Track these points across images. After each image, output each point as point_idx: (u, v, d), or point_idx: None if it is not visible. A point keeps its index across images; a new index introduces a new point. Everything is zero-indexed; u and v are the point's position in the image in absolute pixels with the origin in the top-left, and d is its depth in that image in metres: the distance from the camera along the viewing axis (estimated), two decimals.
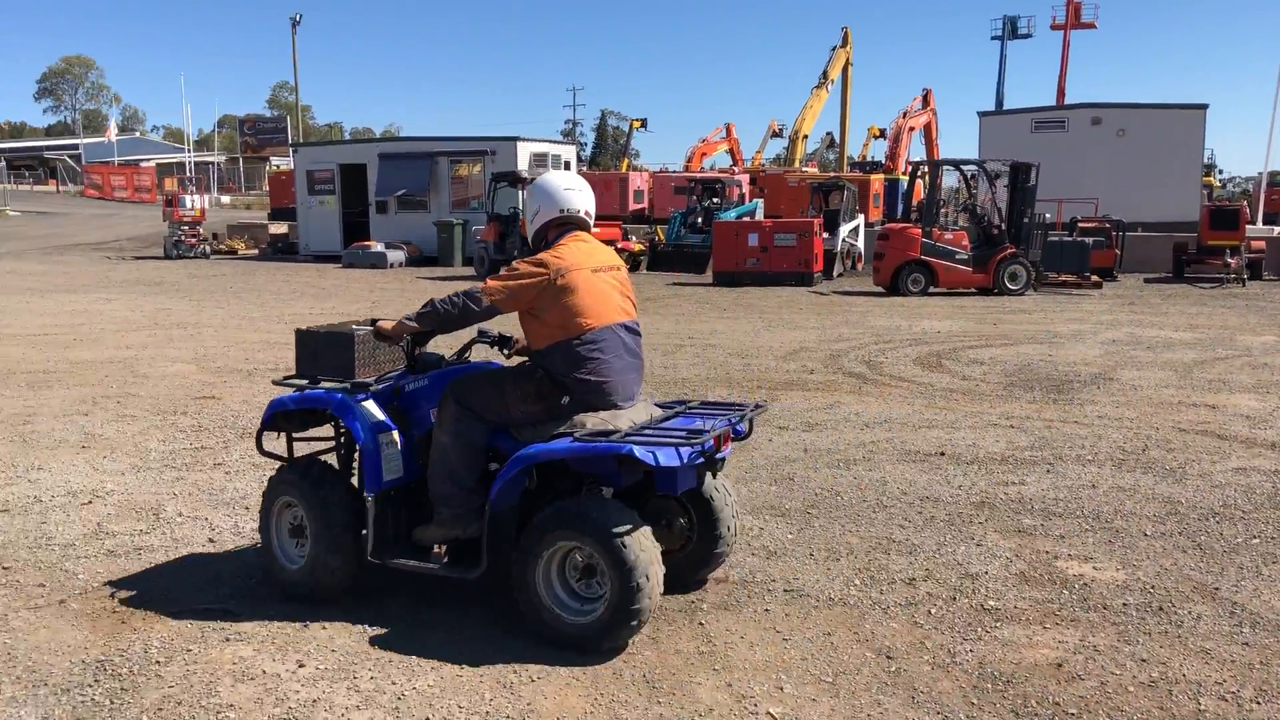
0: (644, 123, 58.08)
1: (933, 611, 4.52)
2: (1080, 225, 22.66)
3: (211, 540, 5.45)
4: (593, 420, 4.20)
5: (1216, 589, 4.78)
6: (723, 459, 4.38)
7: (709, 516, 4.63)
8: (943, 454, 7.27)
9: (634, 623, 3.97)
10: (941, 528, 5.68)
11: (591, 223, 4.57)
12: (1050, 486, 6.47)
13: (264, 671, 3.92)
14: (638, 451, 3.91)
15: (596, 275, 4.37)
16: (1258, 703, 3.71)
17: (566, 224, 4.51)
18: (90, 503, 6.11)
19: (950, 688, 3.83)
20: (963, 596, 4.69)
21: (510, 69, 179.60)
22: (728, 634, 4.27)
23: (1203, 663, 4.02)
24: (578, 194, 4.52)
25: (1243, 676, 3.91)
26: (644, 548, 3.94)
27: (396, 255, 27.55)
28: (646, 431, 4.15)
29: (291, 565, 4.58)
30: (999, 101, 55.28)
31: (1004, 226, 19.52)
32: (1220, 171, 54.09)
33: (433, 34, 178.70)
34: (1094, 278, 20.59)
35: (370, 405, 4.48)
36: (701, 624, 4.37)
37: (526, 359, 4.58)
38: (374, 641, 4.18)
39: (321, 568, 4.44)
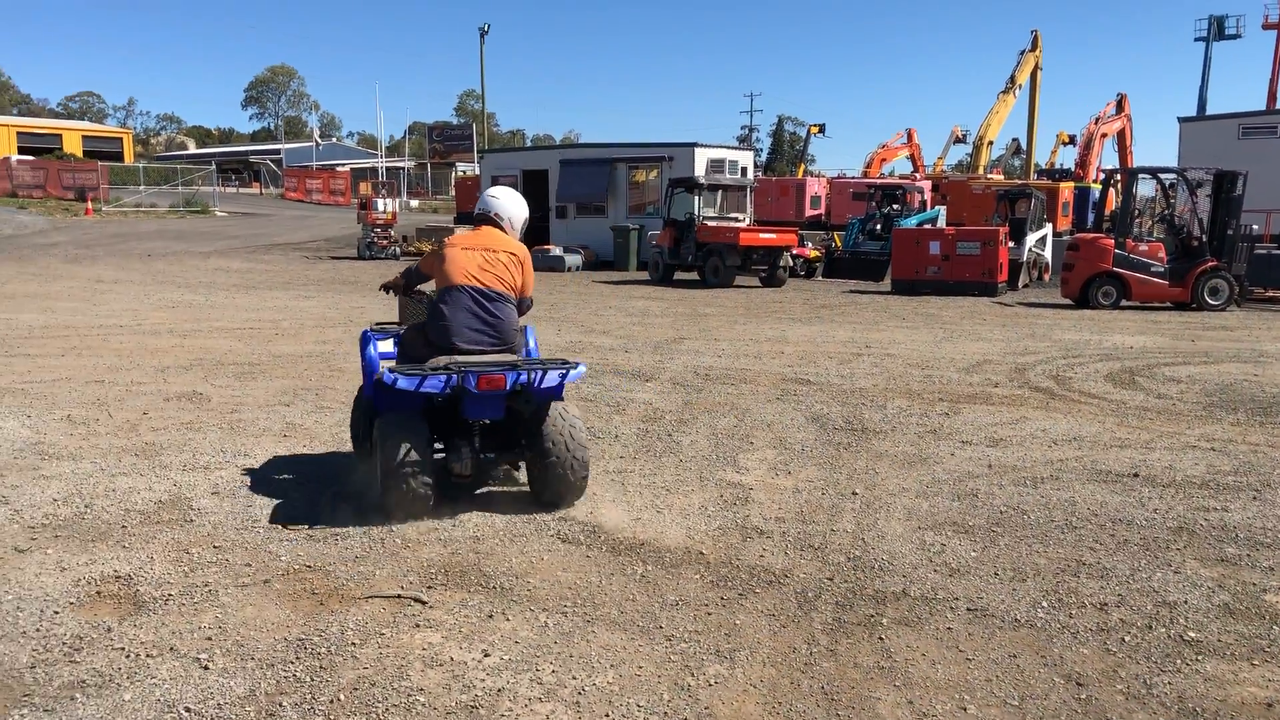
0: (822, 128, 57.63)
1: (1126, 639, 4.32)
2: None
3: (394, 530, 5.69)
4: (441, 359, 5.79)
5: None
6: (496, 395, 5.67)
7: (540, 445, 5.84)
8: (1137, 475, 6.93)
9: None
10: (1136, 552, 5.42)
11: (501, 222, 6.28)
12: (1257, 514, 6.08)
13: (451, 659, 4.07)
14: (386, 377, 5.46)
15: (464, 251, 6.06)
16: None
17: (481, 220, 6.33)
18: (290, 489, 6.47)
19: None
20: (1159, 625, 4.46)
21: (688, 76, 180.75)
22: (908, 650, 4.19)
23: None
24: (495, 200, 6.36)
25: None
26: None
27: (574, 259, 28.12)
28: (450, 368, 5.53)
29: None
30: (1201, 106, 52.33)
31: (1205, 238, 18.48)
32: None
33: (612, 42, 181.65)
34: None
35: None
36: (881, 639, 4.30)
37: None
38: (555, 636, 4.29)
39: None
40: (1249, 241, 19.34)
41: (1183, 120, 31.16)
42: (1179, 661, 4.12)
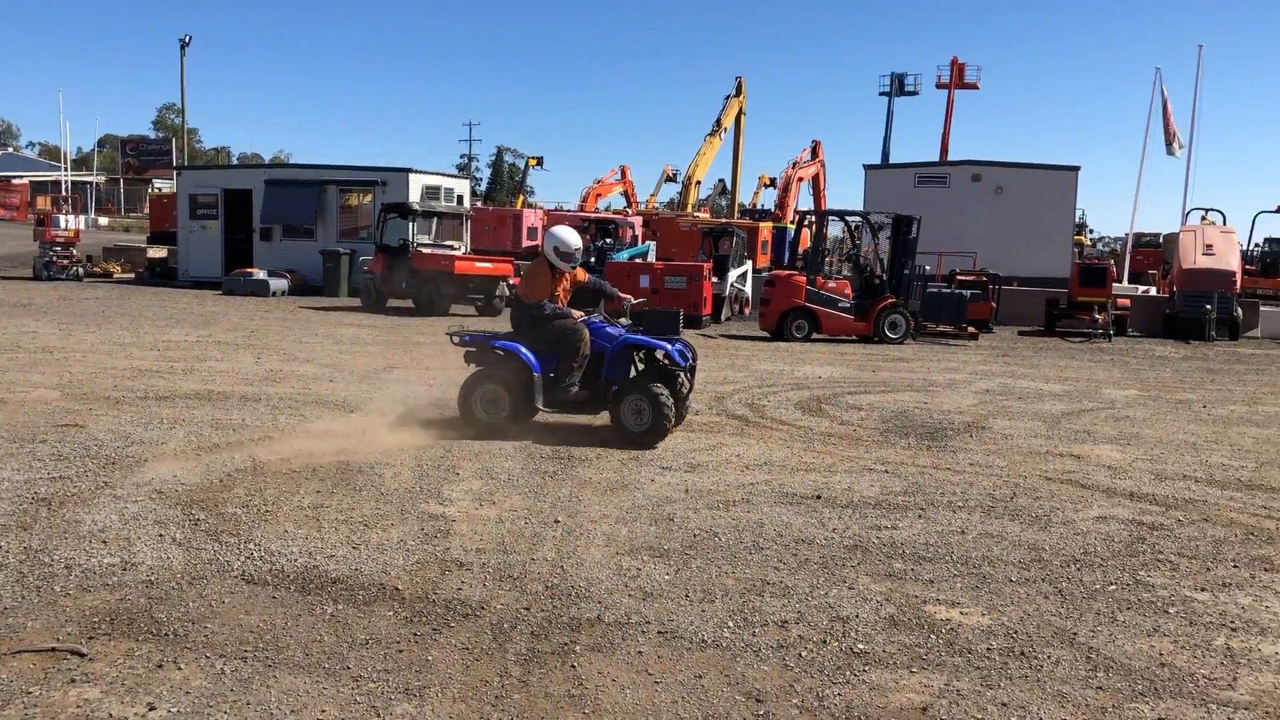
0: (540, 161, 58.30)
1: (803, 655, 4.56)
2: (958, 278, 23.43)
3: (57, 575, 5.19)
4: None
5: (1075, 634, 4.93)
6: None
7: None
8: (819, 497, 7.37)
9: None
10: (815, 570, 5.75)
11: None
12: (921, 531, 6.61)
13: (110, 715, 3.73)
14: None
15: None
16: None
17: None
18: None
19: None
20: (833, 640, 4.74)
21: (405, 101, 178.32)
22: (599, 676, 4.24)
23: (1059, 706, 4.13)
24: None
25: (1094, 719, 4.03)
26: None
27: (279, 284, 26.98)
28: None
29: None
30: (885, 155, 56.93)
31: (885, 277, 20.06)
32: (1091, 231, 56.56)
33: (326, 63, 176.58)
34: (970, 329, 21.29)
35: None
36: (574, 666, 4.32)
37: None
38: (233, 684, 4.02)
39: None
40: (922, 280, 21.19)
41: (868, 167, 33.80)
42: (849, 673, 4.39)
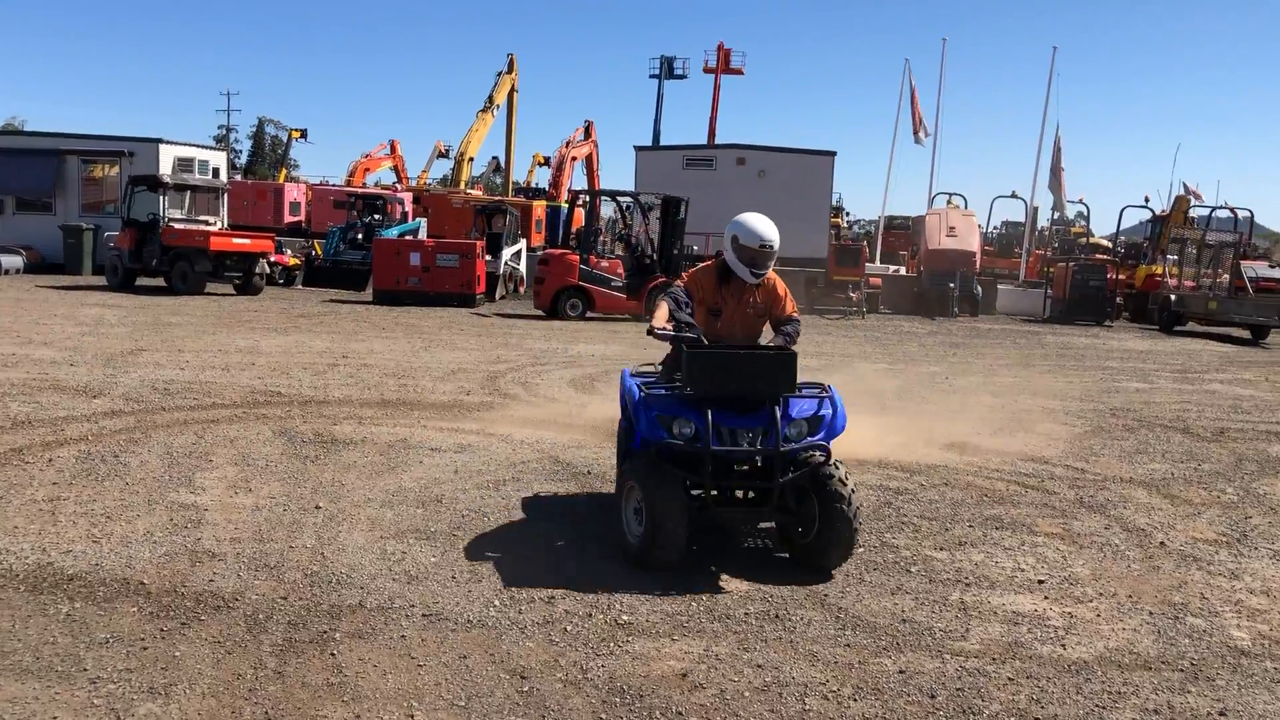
0: (304, 133, 56.01)
1: (569, 629, 4.60)
2: None
3: None
4: None
5: (825, 596, 5.19)
6: None
7: None
8: (590, 473, 7.46)
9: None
10: (586, 544, 5.80)
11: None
12: None
13: None
14: None
15: None
16: (855, 699, 4.05)
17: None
18: None
19: (581, 704, 3.90)
20: (599, 612, 4.81)
21: (158, 67, 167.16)
22: (360, 663, 4.13)
23: (810, 665, 4.34)
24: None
25: (843, 676, 4.26)
26: None
27: (13, 261, 24.93)
28: None
29: None
30: (656, 137, 57.88)
31: (656, 257, 20.44)
32: (848, 214, 59.38)
33: (68, 22, 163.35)
34: None
35: None
36: (333, 654, 4.20)
37: None
38: None
39: None
40: (691, 260, 21.71)
41: (638, 149, 34.32)
42: (613, 645, 4.46)
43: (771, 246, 5.88)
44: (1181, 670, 4.49)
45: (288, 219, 37.32)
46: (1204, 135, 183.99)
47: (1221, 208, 28.57)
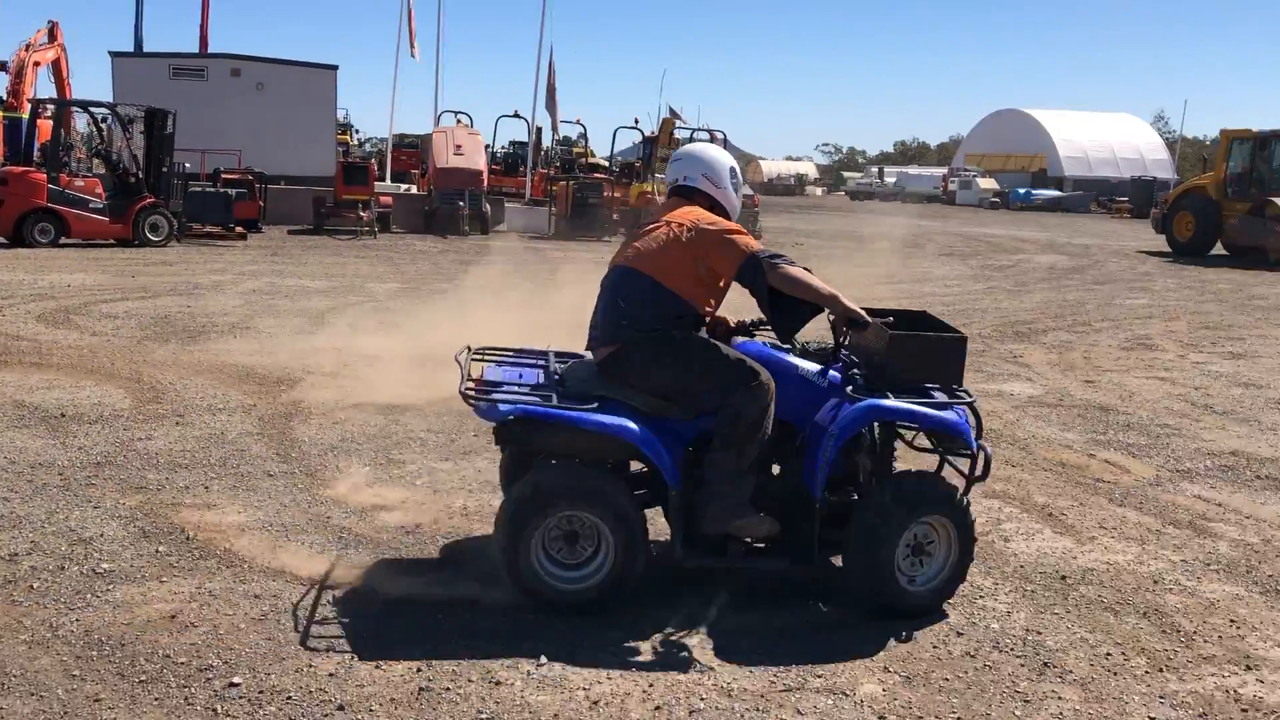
0: None
1: (36, 586, 4.15)
2: (224, 177, 22.62)
3: None
4: None
5: (328, 518, 5.13)
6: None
7: None
8: (64, 415, 6.73)
9: None
10: (55, 494, 5.25)
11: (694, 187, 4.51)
12: (179, 438, 6.36)
13: None
14: None
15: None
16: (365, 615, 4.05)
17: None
18: None
19: (50, 664, 3.55)
20: (73, 564, 4.39)
21: None
22: None
23: (309, 590, 4.28)
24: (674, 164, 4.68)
25: (347, 597, 4.24)
26: None
27: None
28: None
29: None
30: (138, 44, 52.54)
31: (142, 175, 18.68)
32: (358, 131, 58.00)
33: None
34: (239, 229, 20.75)
35: None
36: None
37: None
38: None
39: None
40: (184, 179, 20.11)
41: (115, 55, 30.92)
42: (90, 596, 4.09)
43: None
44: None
45: None
46: (687, 61, 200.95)
47: (701, 129, 31.28)
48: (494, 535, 4.19)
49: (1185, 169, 63.06)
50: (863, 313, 4.16)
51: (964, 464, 4.46)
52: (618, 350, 4.25)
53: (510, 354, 4.92)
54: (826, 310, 4.23)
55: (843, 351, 4.44)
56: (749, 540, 4.28)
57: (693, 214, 4.38)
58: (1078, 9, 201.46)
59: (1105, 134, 70.55)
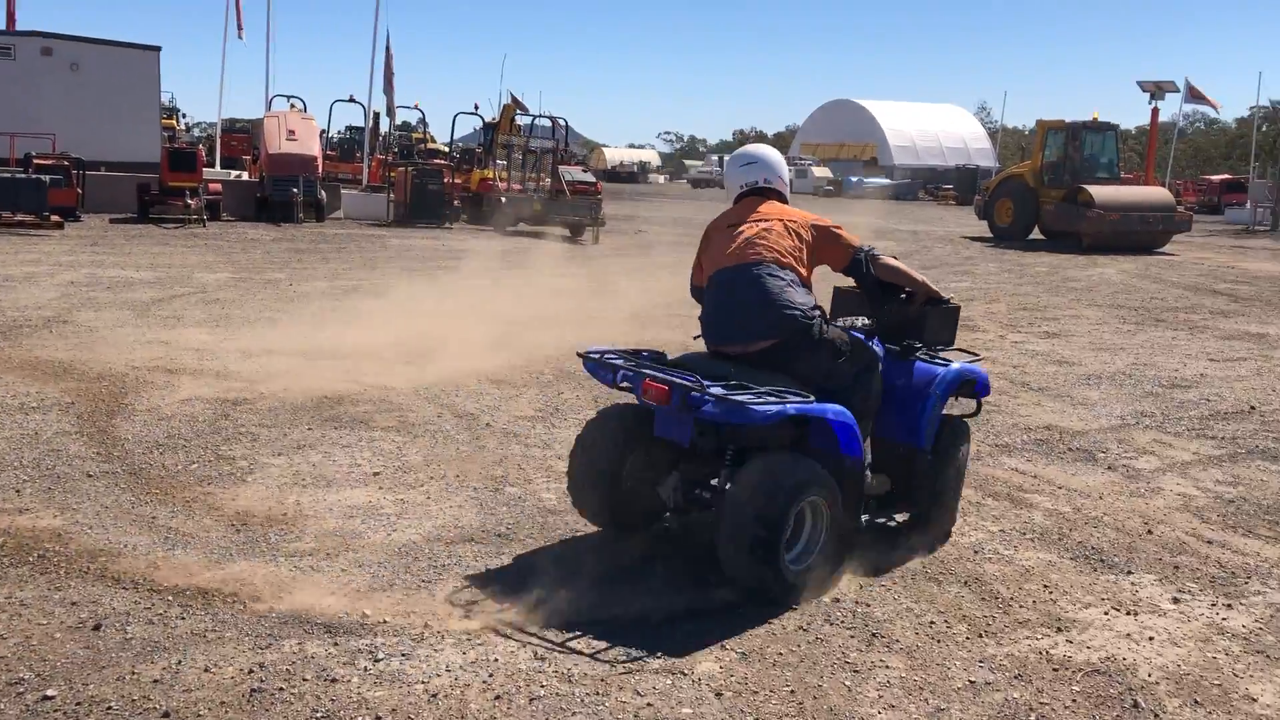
0: None
1: None
2: (36, 162, 21.35)
3: None
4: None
5: (154, 519, 4.92)
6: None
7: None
8: None
9: None
10: None
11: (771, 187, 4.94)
12: None
13: None
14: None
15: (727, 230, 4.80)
16: (181, 619, 3.91)
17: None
18: None
19: None
20: None
21: None
22: None
23: (131, 594, 4.10)
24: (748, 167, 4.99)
25: (167, 601, 4.08)
26: None
27: None
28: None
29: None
30: None
31: None
32: (185, 115, 55.60)
33: None
34: (54, 218, 19.64)
35: None
36: None
37: None
38: None
39: None
40: None
41: None
42: None
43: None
44: (499, 535, 4.96)
45: None
46: (528, 47, 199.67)
47: (542, 116, 31.16)
48: (724, 535, 4.18)
49: (1006, 157, 66.33)
50: (940, 293, 5.02)
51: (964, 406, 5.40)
52: (779, 342, 4.49)
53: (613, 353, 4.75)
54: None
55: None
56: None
57: (789, 211, 4.85)
58: (906, 2, 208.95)
59: (932, 124, 73.43)
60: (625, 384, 4.49)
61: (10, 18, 42.47)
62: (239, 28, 31.51)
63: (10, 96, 23.06)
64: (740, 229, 4.73)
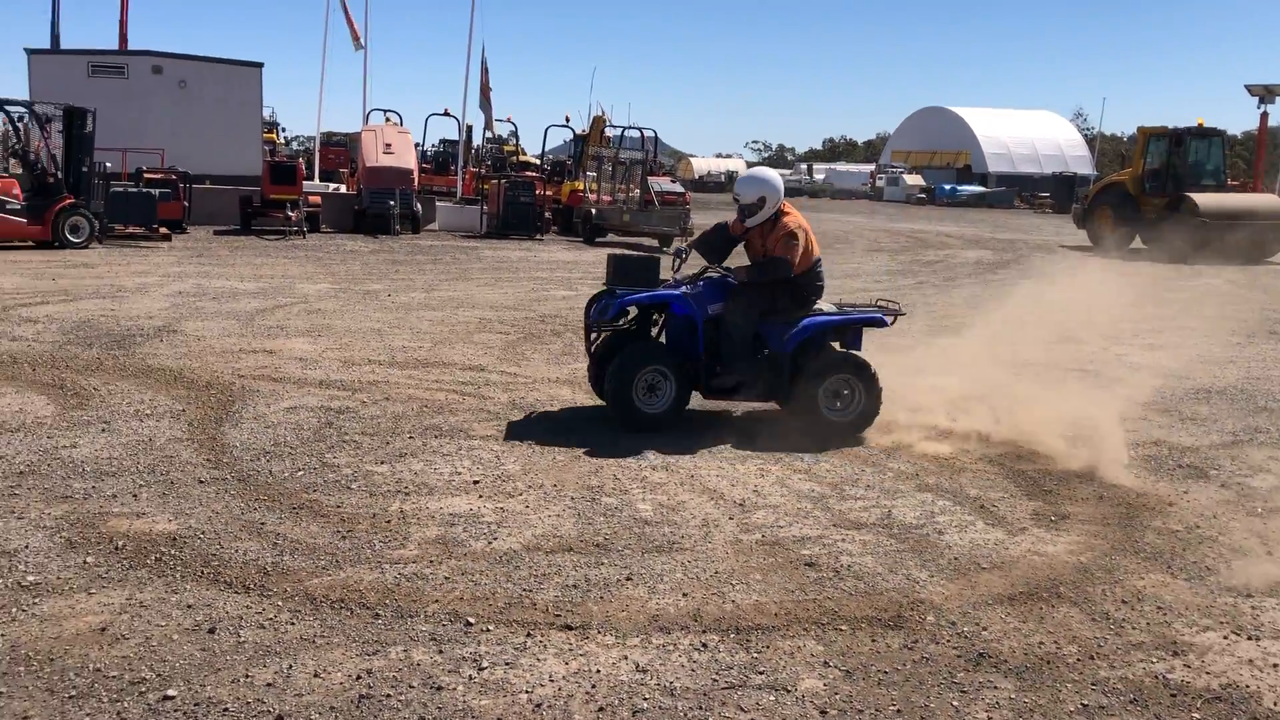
0: None
1: None
2: (146, 176, 22.14)
3: None
4: (826, 306, 7.43)
5: (262, 525, 5.04)
6: None
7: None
8: None
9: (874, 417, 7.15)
10: None
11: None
12: (105, 445, 6.21)
13: None
14: (888, 319, 7.36)
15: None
16: (292, 624, 3.99)
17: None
18: None
19: None
20: None
21: None
22: None
23: (244, 598, 4.20)
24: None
25: (280, 604, 4.18)
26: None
27: None
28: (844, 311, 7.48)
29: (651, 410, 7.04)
30: (55, 40, 51.20)
31: (61, 175, 18.19)
32: (284, 129, 57.12)
33: None
34: (163, 230, 20.33)
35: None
36: None
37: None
38: None
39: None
40: (105, 179, 19.62)
41: (31, 52, 30.08)
42: (16, 610, 3.99)
43: (740, 199, 7.45)
44: (597, 545, 4.98)
45: None
46: (617, 58, 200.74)
47: (631, 128, 31.36)
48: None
49: (1104, 165, 64.58)
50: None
51: None
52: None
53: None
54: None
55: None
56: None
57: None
58: (1001, 8, 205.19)
59: (1027, 131, 71.95)
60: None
61: (123, 39, 44.16)
62: (354, 37, 32.06)
63: (123, 113, 23.94)
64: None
